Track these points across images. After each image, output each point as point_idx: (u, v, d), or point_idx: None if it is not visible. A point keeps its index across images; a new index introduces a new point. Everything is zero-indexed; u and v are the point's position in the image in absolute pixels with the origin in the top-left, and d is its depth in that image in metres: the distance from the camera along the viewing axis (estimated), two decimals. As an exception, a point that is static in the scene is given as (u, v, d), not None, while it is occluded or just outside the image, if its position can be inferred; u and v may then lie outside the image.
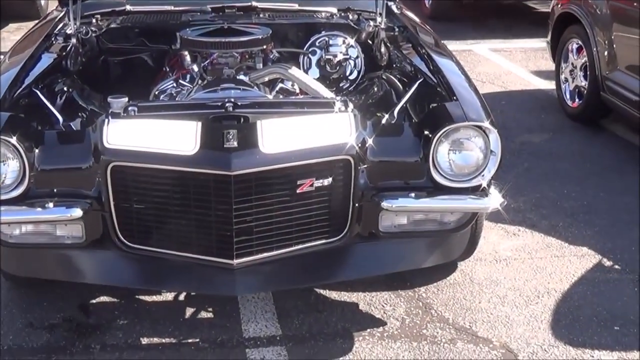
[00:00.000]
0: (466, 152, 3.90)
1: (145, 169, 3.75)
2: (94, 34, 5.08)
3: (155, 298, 4.49)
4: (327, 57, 5.14)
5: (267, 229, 3.82)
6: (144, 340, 4.14)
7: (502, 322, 4.31)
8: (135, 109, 3.84)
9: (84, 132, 3.93)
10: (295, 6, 5.39)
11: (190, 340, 4.13)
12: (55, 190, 3.80)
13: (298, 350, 4.07)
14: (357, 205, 3.88)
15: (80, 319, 4.31)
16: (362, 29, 5.26)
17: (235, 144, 3.66)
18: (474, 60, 9.60)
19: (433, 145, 3.84)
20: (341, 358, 4.02)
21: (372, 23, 5.20)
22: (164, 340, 4.14)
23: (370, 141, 3.86)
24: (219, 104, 3.79)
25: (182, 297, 4.51)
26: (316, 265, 4.03)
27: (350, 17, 5.40)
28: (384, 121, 4.06)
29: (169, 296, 4.50)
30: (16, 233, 3.89)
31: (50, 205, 3.75)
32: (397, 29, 5.16)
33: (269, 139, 3.70)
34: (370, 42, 5.22)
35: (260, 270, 3.94)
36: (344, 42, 5.22)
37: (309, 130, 3.81)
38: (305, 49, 5.28)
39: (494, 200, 3.94)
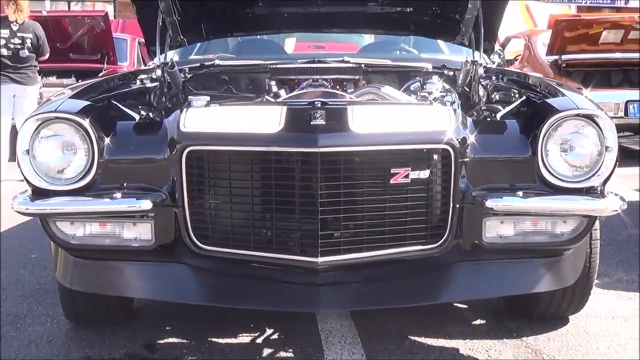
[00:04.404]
0: (578, 147, 3.48)
1: (222, 152, 3.40)
2: (182, 79, 4.81)
3: (229, 340, 4.01)
4: (422, 94, 4.77)
5: (357, 225, 3.39)
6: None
7: (625, 370, 3.72)
8: (217, 105, 3.58)
9: (160, 123, 3.64)
10: (388, 62, 5.08)
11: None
12: (124, 184, 3.48)
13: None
14: (457, 206, 3.45)
15: (143, 355, 3.85)
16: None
17: (323, 122, 3.31)
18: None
19: (541, 141, 3.44)
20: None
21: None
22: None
23: (471, 138, 3.46)
24: (307, 102, 3.49)
25: (260, 340, 4.03)
26: (412, 283, 3.57)
27: (446, 73, 5.08)
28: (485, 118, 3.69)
29: (244, 338, 4.03)
30: (79, 234, 3.54)
31: (118, 195, 3.41)
32: (494, 79, 4.79)
33: (360, 120, 3.36)
34: (467, 88, 4.86)
35: (346, 288, 3.53)
36: (439, 80, 4.82)
37: (405, 117, 3.47)
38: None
39: (612, 202, 3.46)
